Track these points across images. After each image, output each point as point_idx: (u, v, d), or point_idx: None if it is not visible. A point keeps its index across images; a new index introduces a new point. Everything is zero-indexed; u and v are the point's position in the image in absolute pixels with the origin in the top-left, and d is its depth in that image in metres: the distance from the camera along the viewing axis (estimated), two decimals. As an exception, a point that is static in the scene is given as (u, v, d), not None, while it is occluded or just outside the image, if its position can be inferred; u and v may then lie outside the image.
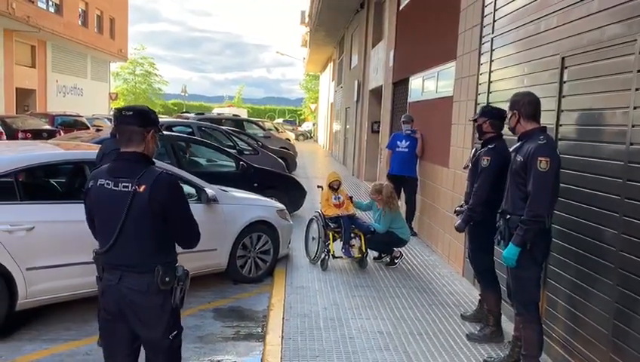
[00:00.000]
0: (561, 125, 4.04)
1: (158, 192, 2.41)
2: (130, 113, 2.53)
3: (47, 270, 4.29)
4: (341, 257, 6.39)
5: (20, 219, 4.21)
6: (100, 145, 5.01)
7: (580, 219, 3.70)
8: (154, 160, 2.62)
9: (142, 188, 2.41)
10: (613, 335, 3.27)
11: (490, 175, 4.21)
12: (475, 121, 4.59)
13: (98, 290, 2.60)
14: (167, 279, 2.47)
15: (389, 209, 6.49)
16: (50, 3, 27.13)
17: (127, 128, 2.51)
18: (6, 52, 23.89)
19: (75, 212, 4.42)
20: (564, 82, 4.00)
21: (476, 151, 4.60)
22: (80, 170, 5.09)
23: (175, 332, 2.57)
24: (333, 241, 6.36)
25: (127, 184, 2.43)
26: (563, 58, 4.00)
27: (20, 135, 14.95)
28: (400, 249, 6.69)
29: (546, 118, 3.94)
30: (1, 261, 4.06)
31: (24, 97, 26.11)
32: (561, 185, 3.65)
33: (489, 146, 4.32)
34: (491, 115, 4.35)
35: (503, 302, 4.44)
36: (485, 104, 5.38)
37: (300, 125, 52.11)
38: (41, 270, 4.26)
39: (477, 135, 4.62)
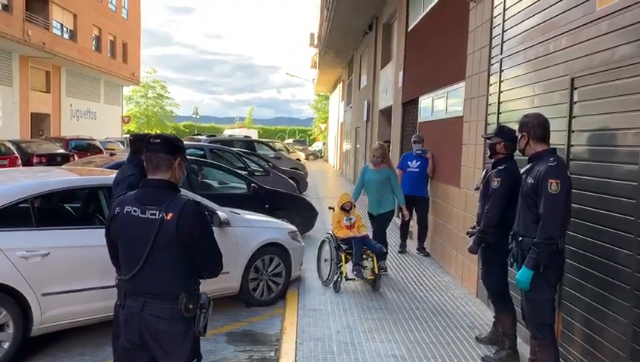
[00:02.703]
0: (572, 146, 4.04)
1: (185, 221, 2.44)
2: (158, 141, 2.57)
3: (62, 295, 4.32)
4: (354, 279, 6.36)
5: (35, 245, 4.25)
6: (116, 171, 5.07)
7: (594, 240, 3.67)
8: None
9: (169, 216, 2.43)
10: (631, 358, 3.22)
11: (501, 196, 4.19)
12: (488, 138, 4.58)
13: (120, 318, 2.61)
14: (190, 306, 2.48)
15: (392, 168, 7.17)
16: (65, 29, 27.72)
17: (155, 156, 2.55)
18: (22, 78, 24.38)
19: (89, 237, 4.50)
20: (575, 103, 4.01)
21: (487, 171, 4.59)
22: (95, 195, 5.15)
23: (195, 360, 2.57)
24: (345, 263, 6.34)
25: (154, 212, 2.46)
26: (573, 79, 4.02)
27: (35, 159, 15.18)
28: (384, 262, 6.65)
29: (557, 139, 3.94)
30: (17, 287, 4.10)
31: (39, 122, 26.55)
32: (575, 205, 3.64)
33: (499, 167, 4.30)
34: (506, 137, 4.31)
35: (518, 324, 4.38)
36: (497, 124, 5.37)
37: (310, 145, 52.32)
38: (56, 295, 4.29)
39: (488, 154, 4.60)
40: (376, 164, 7.17)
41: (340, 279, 6.29)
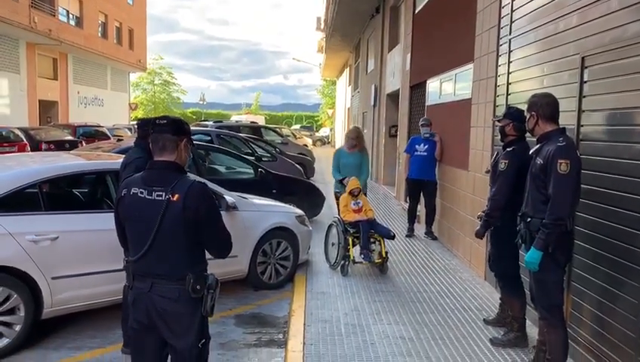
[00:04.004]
0: (582, 126, 3.98)
1: (191, 201, 2.44)
2: (165, 122, 2.58)
3: (71, 279, 4.36)
4: (361, 262, 6.36)
5: (44, 229, 4.28)
6: (124, 155, 5.08)
7: (604, 221, 3.63)
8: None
9: (176, 197, 2.43)
10: (642, 339, 3.20)
11: (507, 179, 4.14)
12: (498, 121, 4.52)
13: (128, 299, 2.63)
14: (198, 287, 2.49)
15: (365, 152, 7.33)
16: (71, 16, 27.68)
17: (161, 137, 2.55)
18: (29, 65, 24.43)
19: (98, 221, 4.53)
20: (585, 82, 3.95)
21: (497, 154, 4.54)
22: (102, 180, 5.17)
23: (204, 341, 2.58)
24: (352, 246, 6.34)
25: (160, 193, 2.46)
26: (583, 58, 3.95)
27: (44, 146, 15.24)
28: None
29: (567, 119, 3.89)
30: (27, 270, 4.14)
31: (47, 109, 26.65)
32: (585, 186, 3.60)
33: (508, 150, 4.25)
34: (515, 118, 4.25)
35: (527, 306, 4.37)
36: (506, 105, 5.32)
37: (317, 131, 52.17)
38: (65, 279, 4.32)
39: (499, 136, 4.55)
40: (350, 147, 7.26)
41: (347, 263, 6.29)
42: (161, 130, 2.56)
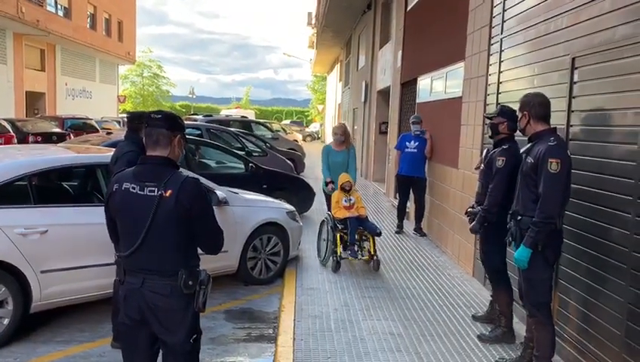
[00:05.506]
0: (571, 126, 4.03)
1: (184, 197, 2.43)
2: (159, 116, 2.56)
3: (60, 272, 4.33)
4: (347, 258, 6.38)
5: (33, 223, 4.25)
6: (113, 149, 5.05)
7: (591, 220, 3.69)
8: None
9: (168, 192, 2.42)
10: (627, 336, 3.26)
11: (505, 176, 4.18)
12: (490, 119, 4.55)
13: (120, 295, 2.61)
14: (190, 283, 2.48)
15: (352, 149, 7.32)
16: (59, 7, 27.32)
17: (155, 131, 2.54)
18: (16, 56, 24.10)
19: (87, 215, 4.51)
20: (575, 83, 4.00)
21: (488, 151, 4.58)
22: (92, 173, 5.14)
23: (195, 336, 2.58)
24: (342, 243, 6.36)
25: (153, 188, 2.44)
26: (573, 59, 4.00)
27: (31, 138, 15.09)
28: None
29: (557, 119, 3.93)
30: (16, 264, 4.11)
31: (34, 101, 26.33)
32: (573, 185, 3.65)
33: (503, 147, 4.29)
34: (509, 117, 4.28)
35: (514, 303, 4.43)
36: (497, 104, 5.36)
37: (307, 126, 52.13)
38: (54, 272, 4.30)
39: (489, 134, 4.57)
40: (338, 144, 7.25)
41: (335, 259, 6.30)
42: (156, 124, 2.55)
